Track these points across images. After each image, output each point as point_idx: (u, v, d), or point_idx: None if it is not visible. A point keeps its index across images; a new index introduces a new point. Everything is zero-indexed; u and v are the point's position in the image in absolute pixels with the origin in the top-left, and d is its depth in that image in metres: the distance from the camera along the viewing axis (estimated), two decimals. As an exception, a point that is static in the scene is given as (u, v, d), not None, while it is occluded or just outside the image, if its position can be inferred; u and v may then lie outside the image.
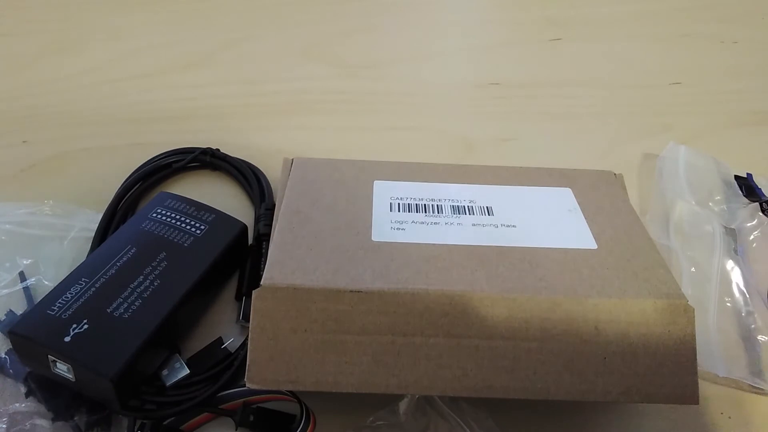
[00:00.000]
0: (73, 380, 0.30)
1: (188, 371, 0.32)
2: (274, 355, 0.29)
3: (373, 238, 0.32)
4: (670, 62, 0.57)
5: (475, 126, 0.50)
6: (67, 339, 0.29)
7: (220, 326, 0.36)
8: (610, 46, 0.59)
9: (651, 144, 0.48)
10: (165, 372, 0.32)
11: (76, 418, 0.30)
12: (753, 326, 0.36)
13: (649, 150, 0.47)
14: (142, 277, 0.33)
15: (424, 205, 0.35)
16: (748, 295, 0.37)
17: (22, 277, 0.36)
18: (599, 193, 0.37)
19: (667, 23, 0.62)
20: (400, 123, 0.50)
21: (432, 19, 0.63)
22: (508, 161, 0.40)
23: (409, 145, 0.48)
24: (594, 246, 0.33)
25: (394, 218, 0.34)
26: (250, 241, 0.39)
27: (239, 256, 0.38)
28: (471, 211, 0.35)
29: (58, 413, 0.30)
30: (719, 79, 0.56)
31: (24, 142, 0.46)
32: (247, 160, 0.44)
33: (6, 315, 0.34)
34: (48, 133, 0.47)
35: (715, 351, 0.35)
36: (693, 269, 0.39)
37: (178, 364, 0.33)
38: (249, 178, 0.42)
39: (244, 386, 0.28)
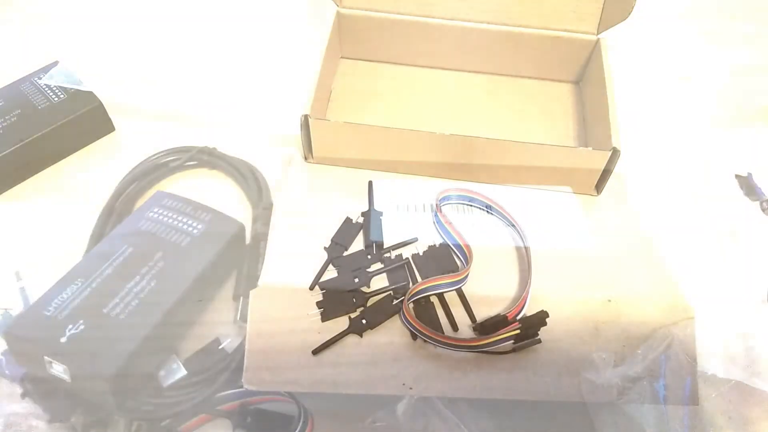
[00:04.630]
0: (69, 381, 0.29)
1: (185, 372, 0.32)
2: (272, 356, 0.28)
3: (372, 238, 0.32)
4: (669, 62, 0.57)
5: (477, 126, 0.50)
6: (63, 340, 0.29)
7: (218, 326, 0.36)
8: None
9: (651, 143, 0.47)
10: (162, 373, 0.32)
11: (72, 420, 0.30)
12: (753, 326, 0.36)
13: (649, 149, 0.47)
14: (138, 277, 0.32)
15: (423, 204, 0.35)
16: (747, 295, 0.37)
17: (18, 277, 0.35)
18: (599, 193, 0.37)
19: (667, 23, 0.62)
20: (398, 122, 0.50)
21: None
22: (508, 161, 0.40)
23: (409, 145, 0.48)
24: (594, 246, 0.33)
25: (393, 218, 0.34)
26: (248, 240, 0.39)
27: (237, 256, 0.38)
28: (471, 211, 0.35)
29: (54, 414, 0.30)
30: (721, 78, 0.55)
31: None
32: (245, 159, 0.44)
33: (1, 316, 0.33)
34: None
35: (716, 351, 0.35)
36: (693, 269, 0.39)
37: (175, 365, 0.32)
38: (247, 177, 0.42)
39: (242, 387, 0.28)
